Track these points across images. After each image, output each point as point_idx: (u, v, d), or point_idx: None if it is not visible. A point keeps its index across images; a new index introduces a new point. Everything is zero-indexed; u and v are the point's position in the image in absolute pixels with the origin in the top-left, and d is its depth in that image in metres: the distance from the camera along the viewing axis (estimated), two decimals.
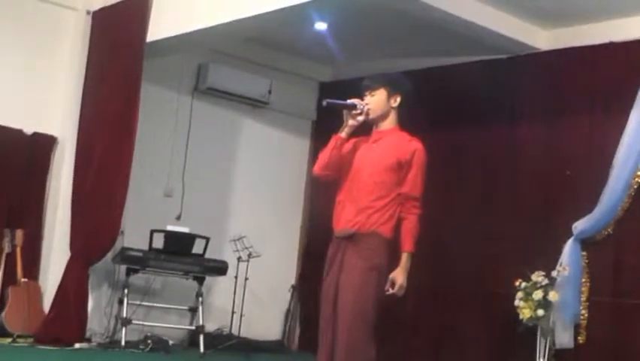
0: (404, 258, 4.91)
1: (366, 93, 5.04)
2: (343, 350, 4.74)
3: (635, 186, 7.13)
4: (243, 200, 9.76)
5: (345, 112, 4.97)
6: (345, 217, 4.94)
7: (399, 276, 4.87)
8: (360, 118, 4.96)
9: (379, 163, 4.92)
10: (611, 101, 7.44)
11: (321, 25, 8.31)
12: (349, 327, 4.74)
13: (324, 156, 5.01)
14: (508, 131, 8.21)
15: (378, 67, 7.55)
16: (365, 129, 5.09)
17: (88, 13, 8.58)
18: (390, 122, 5.05)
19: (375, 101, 5.01)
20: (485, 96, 8.33)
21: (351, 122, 4.96)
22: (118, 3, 8.35)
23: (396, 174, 4.90)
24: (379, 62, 8.71)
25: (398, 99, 5.01)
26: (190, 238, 8.49)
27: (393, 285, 4.86)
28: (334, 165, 4.99)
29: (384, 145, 4.99)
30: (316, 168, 5.10)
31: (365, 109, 4.97)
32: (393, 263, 4.90)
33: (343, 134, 4.98)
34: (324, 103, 5.05)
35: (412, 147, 4.98)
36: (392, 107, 5.03)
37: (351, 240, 4.88)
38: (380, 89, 5.03)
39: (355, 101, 4.98)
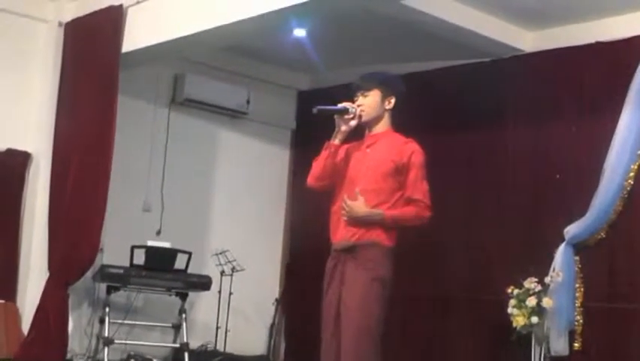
0: (379, 211, 4.69)
1: (359, 94, 4.84)
2: None
3: (628, 189, 7.00)
4: (224, 213, 9.56)
5: (336, 117, 4.78)
6: (343, 228, 4.74)
7: (361, 206, 4.66)
8: (353, 122, 4.77)
9: (376, 170, 4.72)
10: (599, 102, 7.32)
11: (299, 32, 8.12)
12: (355, 344, 4.55)
13: (318, 165, 4.81)
14: (495, 136, 8.07)
15: (358, 74, 7.35)
16: (357, 133, 4.91)
17: (60, 24, 8.31)
18: (383, 125, 4.86)
19: (369, 102, 4.81)
20: (470, 100, 8.18)
21: (343, 127, 4.76)
22: (91, 13, 8.09)
23: (396, 180, 4.70)
24: (360, 68, 8.36)
25: (393, 101, 4.83)
26: (172, 254, 8.25)
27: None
28: (329, 174, 4.79)
29: (378, 150, 4.79)
30: (310, 179, 4.89)
31: (357, 112, 4.77)
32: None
33: (336, 141, 4.78)
34: (315, 110, 4.81)
35: (408, 149, 4.78)
36: (386, 110, 4.85)
37: (350, 252, 4.68)
38: (374, 89, 4.83)
39: (347, 104, 4.79)
